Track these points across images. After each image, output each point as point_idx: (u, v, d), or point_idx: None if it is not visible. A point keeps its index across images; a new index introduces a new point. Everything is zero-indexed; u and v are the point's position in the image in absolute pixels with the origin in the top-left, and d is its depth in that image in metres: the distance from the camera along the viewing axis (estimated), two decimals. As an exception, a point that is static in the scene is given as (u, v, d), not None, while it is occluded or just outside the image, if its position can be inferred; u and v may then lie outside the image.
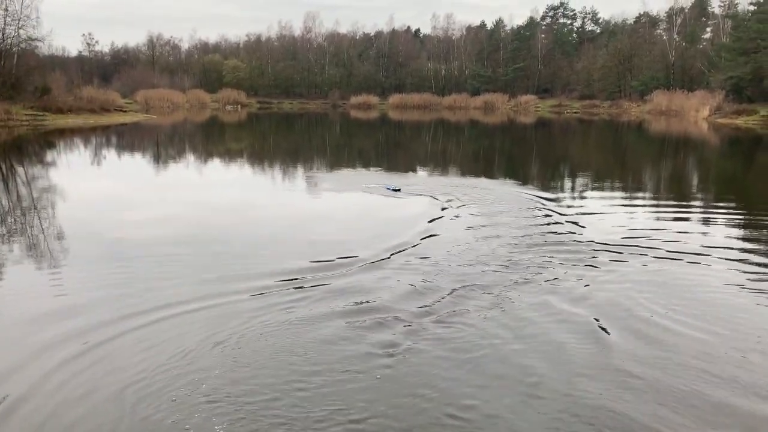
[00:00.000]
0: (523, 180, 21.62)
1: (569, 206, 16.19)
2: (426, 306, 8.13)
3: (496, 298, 8.46)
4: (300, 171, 24.85)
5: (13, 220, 14.49)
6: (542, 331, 7.44)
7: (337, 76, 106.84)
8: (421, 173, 24.25)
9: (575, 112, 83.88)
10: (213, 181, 22.31)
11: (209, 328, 7.32)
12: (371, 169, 25.03)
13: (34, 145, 34.25)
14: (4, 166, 25.30)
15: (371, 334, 7.22)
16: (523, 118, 73.34)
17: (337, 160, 29.74)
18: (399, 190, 14.57)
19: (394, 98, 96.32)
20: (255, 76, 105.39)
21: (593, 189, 19.65)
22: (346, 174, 22.95)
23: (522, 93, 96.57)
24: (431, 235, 12.32)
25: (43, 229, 13.19)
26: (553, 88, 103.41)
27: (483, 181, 21.02)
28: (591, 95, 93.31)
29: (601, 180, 22.11)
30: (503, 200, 16.78)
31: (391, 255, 10.68)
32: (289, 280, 9.25)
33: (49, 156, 30.04)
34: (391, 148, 38.30)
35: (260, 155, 33.06)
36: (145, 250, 11.00)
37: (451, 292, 8.65)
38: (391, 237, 12.00)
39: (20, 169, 24.50)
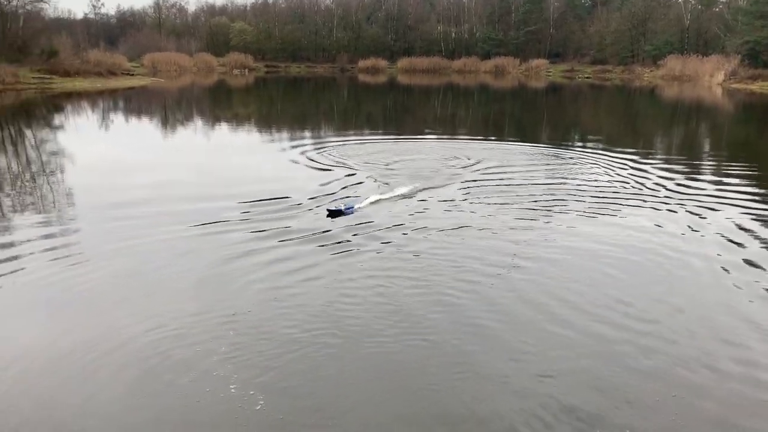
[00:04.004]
0: (533, 143, 21.46)
1: (577, 171, 16.14)
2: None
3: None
4: (307, 137, 24.71)
5: (22, 182, 14.56)
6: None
7: (345, 40, 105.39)
8: (429, 138, 24.07)
9: (587, 77, 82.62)
10: (217, 145, 22.27)
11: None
12: (379, 134, 24.88)
13: (41, 109, 34.22)
14: (12, 130, 25.32)
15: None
16: (534, 82, 72.43)
17: (344, 126, 29.56)
18: (351, 208, 11.18)
19: (403, 62, 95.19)
20: (262, 39, 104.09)
21: (603, 152, 19.48)
22: (352, 147, 22.71)
23: (533, 57, 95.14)
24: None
25: (52, 191, 13.28)
26: (564, 53, 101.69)
27: (490, 145, 20.91)
28: (603, 60, 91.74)
29: (611, 145, 21.85)
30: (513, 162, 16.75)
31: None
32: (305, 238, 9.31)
33: (57, 120, 30.02)
34: (399, 113, 37.99)
35: (267, 120, 32.89)
36: (144, 210, 11.11)
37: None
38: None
39: (28, 133, 24.52)
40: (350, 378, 5.69)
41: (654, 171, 16.26)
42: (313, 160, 17.43)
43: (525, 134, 26.85)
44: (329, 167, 16.38)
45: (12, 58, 46.29)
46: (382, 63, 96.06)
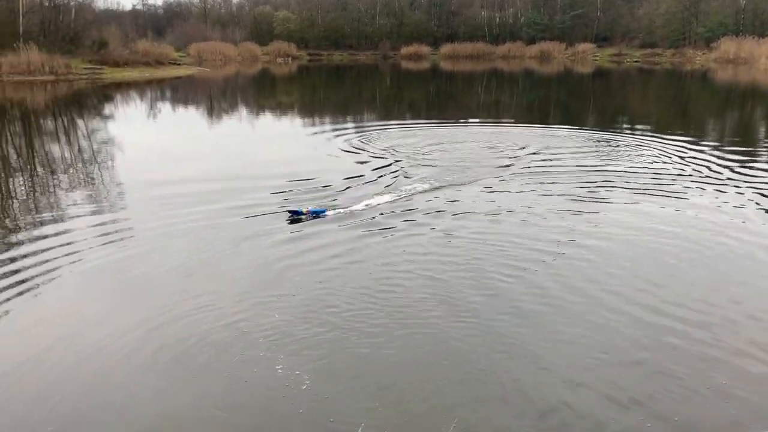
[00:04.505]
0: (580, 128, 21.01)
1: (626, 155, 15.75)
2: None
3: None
4: (349, 125, 24.74)
5: (75, 170, 15.01)
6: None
7: (388, 26, 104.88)
8: (473, 124, 23.80)
9: (635, 61, 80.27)
10: (261, 133, 22.52)
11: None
12: (421, 120, 24.75)
13: (92, 99, 35.17)
14: (65, 119, 26.12)
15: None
16: (580, 67, 70.82)
17: (386, 113, 29.50)
18: (324, 212, 10.21)
19: (446, 48, 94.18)
20: (305, 27, 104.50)
21: (654, 136, 18.92)
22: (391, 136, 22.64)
23: (579, 41, 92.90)
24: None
25: (103, 178, 13.68)
26: (612, 36, 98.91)
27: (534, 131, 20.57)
28: (653, 43, 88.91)
29: (663, 130, 21.22)
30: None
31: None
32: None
33: (107, 109, 30.81)
34: (442, 100, 37.68)
35: (310, 109, 33.07)
36: (190, 196, 11.32)
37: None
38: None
39: (80, 122, 25.26)
40: (394, 359, 5.70)
41: (710, 156, 15.75)
42: (354, 147, 17.46)
43: (571, 119, 26.30)
44: (370, 154, 16.39)
45: (64, 50, 47.61)
46: (425, 49, 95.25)
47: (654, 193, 11.94)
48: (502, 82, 52.49)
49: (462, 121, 24.89)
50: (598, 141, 18.64)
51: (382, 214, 10.40)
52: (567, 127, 22.05)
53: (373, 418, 4.87)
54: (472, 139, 18.93)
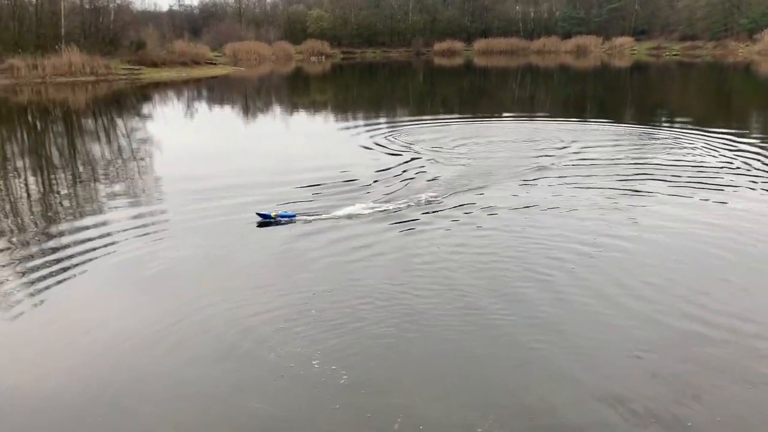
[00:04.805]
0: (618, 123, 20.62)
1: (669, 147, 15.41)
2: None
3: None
4: (382, 122, 24.72)
5: (114, 167, 15.34)
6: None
7: (421, 23, 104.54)
8: (507, 119, 23.56)
9: (675, 55, 78.50)
10: (294, 132, 22.66)
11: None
12: (454, 116, 24.60)
13: (131, 98, 35.86)
14: (105, 119, 26.70)
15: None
16: (617, 61, 69.52)
17: (419, 110, 29.42)
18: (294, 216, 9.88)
19: (480, 44, 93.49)
20: (338, 25, 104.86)
21: (696, 131, 18.47)
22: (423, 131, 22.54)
23: (617, 35, 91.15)
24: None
25: (141, 175, 13.95)
26: (650, 29, 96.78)
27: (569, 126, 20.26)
28: (693, 36, 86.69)
29: (704, 124, 20.71)
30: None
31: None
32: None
33: (146, 109, 31.39)
34: (475, 96, 37.41)
35: (343, 106, 33.15)
36: (225, 192, 11.46)
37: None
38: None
39: (120, 121, 25.79)
40: (431, 356, 5.68)
41: (759, 150, 15.28)
42: (385, 144, 17.44)
43: (609, 114, 25.84)
44: (400, 150, 16.34)
45: (104, 51, 48.66)
46: (458, 45, 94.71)
47: (698, 188, 11.64)
48: (536, 78, 51.86)
49: (496, 116, 24.66)
50: (638, 135, 18.27)
51: (413, 209, 10.35)
52: (604, 121, 21.69)
53: (410, 413, 4.85)
54: (506, 135, 18.75)
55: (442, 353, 5.72)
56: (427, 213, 10.16)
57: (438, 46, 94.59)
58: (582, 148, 16.13)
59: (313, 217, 10.03)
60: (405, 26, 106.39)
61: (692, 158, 14.50)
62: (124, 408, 5.04)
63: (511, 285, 7.15)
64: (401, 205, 10.58)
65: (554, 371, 5.38)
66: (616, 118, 23.46)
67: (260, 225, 9.72)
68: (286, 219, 9.87)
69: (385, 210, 10.35)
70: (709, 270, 7.63)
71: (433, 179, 12.68)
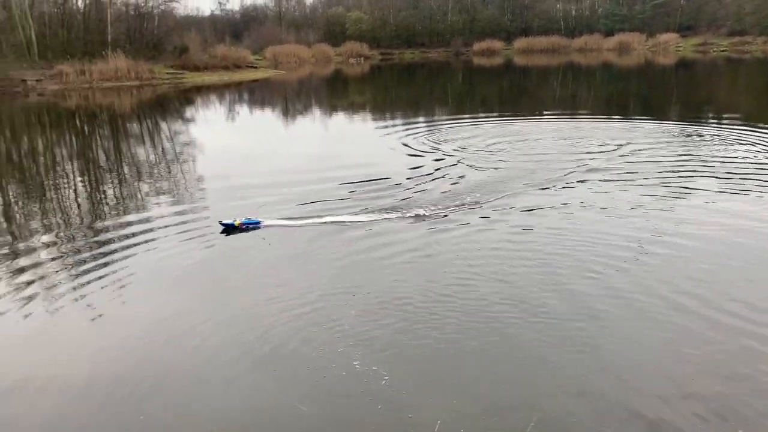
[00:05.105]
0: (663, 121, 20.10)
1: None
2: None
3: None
4: (420, 122, 24.63)
5: (159, 169, 15.65)
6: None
7: (460, 23, 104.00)
8: (548, 118, 23.22)
9: (723, 51, 76.17)
10: (333, 133, 22.77)
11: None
12: (494, 116, 24.36)
13: (174, 102, 36.59)
14: (150, 122, 27.30)
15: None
16: (662, 59, 67.90)
17: (458, 109, 29.23)
18: (258, 223, 9.77)
19: (520, 42, 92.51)
20: (377, 27, 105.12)
21: (747, 128, 17.87)
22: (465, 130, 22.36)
23: (661, 32, 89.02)
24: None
25: (184, 177, 14.21)
26: (697, 25, 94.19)
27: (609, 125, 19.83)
28: (742, 31, 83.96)
29: (756, 122, 20.03)
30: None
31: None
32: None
33: (188, 112, 31.99)
34: (515, 95, 36.99)
35: (381, 108, 33.17)
36: (264, 193, 11.56)
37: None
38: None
39: (164, 125, 26.33)
40: (472, 357, 5.61)
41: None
42: (423, 144, 17.35)
43: (653, 112, 25.21)
44: (437, 150, 16.24)
45: (148, 56, 49.83)
46: (498, 45, 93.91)
47: (751, 186, 11.25)
48: (578, 76, 51.01)
49: (537, 115, 24.32)
50: (684, 133, 17.78)
51: (455, 209, 10.26)
52: (649, 119, 21.18)
53: (451, 415, 4.80)
54: (547, 134, 18.46)
55: (483, 354, 5.63)
56: (468, 214, 10.06)
57: (477, 46, 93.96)
58: (626, 146, 15.77)
59: (279, 223, 9.94)
60: (444, 26, 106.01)
61: (743, 155, 14.03)
62: (163, 405, 5.10)
63: (554, 288, 7.00)
64: (438, 210, 10.47)
65: (599, 380, 5.24)
66: (661, 115, 22.89)
67: (223, 232, 9.57)
68: (252, 225, 9.78)
69: (387, 218, 9.98)
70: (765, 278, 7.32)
71: (470, 179, 12.56)
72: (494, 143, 17.06)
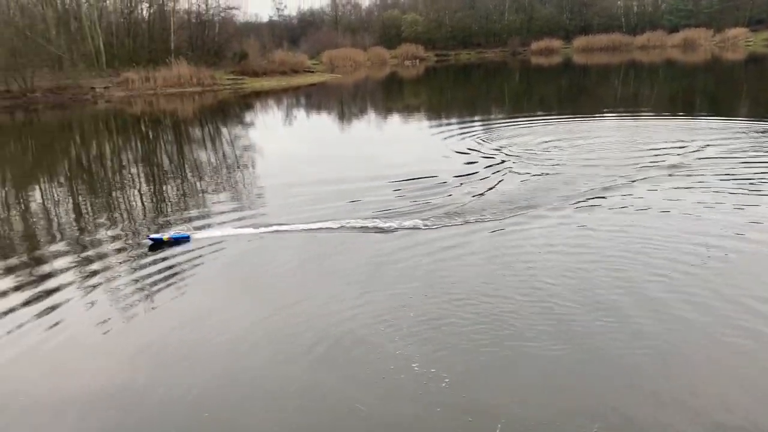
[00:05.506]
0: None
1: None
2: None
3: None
4: (477, 123, 24.39)
5: (219, 173, 16.03)
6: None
7: (517, 22, 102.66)
8: (608, 117, 22.61)
9: (796, 44, 72.54)
10: (388, 136, 22.80)
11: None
12: (552, 115, 23.88)
13: (234, 107, 37.45)
14: (211, 127, 28.04)
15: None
16: (730, 54, 65.16)
17: (515, 109, 28.82)
18: (187, 238, 9.55)
19: (579, 41, 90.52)
20: (433, 28, 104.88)
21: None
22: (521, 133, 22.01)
23: (729, 26, 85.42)
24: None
25: (244, 180, 14.52)
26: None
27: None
28: (818, 23, 79.85)
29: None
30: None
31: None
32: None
33: (248, 117, 32.68)
34: (574, 94, 36.19)
35: (437, 109, 33.03)
36: (321, 196, 11.66)
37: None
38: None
39: (224, 130, 26.99)
40: (533, 359, 5.49)
41: None
42: (478, 145, 17.16)
43: (721, 110, 24.19)
44: (494, 152, 16.01)
45: (209, 62, 51.22)
46: (556, 43, 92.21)
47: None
48: (640, 74, 49.51)
49: (597, 115, 23.71)
50: (756, 131, 16.97)
51: (512, 211, 10.09)
52: (716, 117, 20.32)
53: (511, 418, 4.71)
54: (609, 133, 17.96)
55: (542, 358, 5.51)
56: (528, 215, 9.89)
57: (535, 45, 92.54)
58: (693, 145, 15.19)
59: (209, 235, 9.74)
60: (501, 26, 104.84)
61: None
62: (223, 405, 5.19)
63: (616, 292, 6.78)
64: (497, 212, 10.32)
65: (662, 388, 5.04)
66: (730, 113, 21.93)
67: (151, 248, 9.35)
68: (183, 239, 9.62)
69: (446, 223, 9.78)
70: None
71: (528, 181, 12.34)
72: (553, 143, 16.73)
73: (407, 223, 9.76)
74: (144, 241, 9.69)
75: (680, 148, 14.96)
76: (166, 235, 9.65)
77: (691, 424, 4.55)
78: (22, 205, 13.35)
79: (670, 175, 11.95)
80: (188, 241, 9.64)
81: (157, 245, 9.44)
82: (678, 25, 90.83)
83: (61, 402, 5.38)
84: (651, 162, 13.50)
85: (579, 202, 10.55)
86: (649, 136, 16.83)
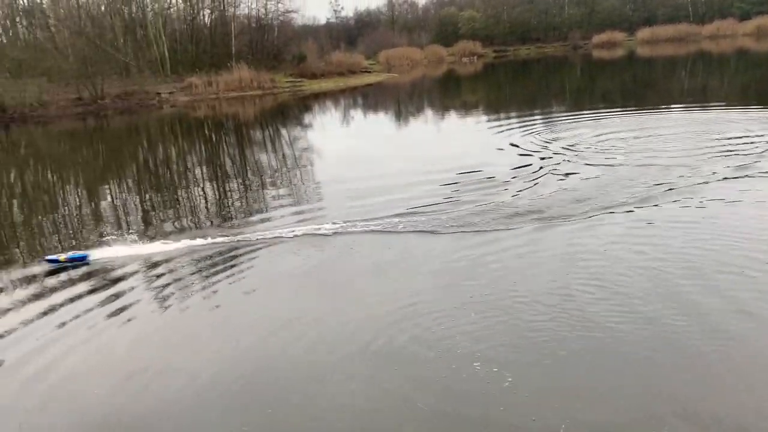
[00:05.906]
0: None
1: None
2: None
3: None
4: (537, 118, 23.94)
5: (280, 173, 16.32)
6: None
7: (578, 15, 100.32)
8: (675, 110, 21.78)
9: None
10: (445, 134, 22.66)
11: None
12: (616, 109, 23.18)
13: (294, 109, 38.07)
14: (271, 130, 28.58)
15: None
16: (807, 41, 61.74)
17: (576, 104, 28.16)
18: (84, 258, 9.14)
19: (644, 32, 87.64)
20: (491, 24, 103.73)
21: None
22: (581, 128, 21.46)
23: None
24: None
25: (302, 181, 14.73)
26: None
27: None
28: None
29: None
30: None
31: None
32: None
33: (307, 119, 33.14)
34: (639, 87, 35.04)
35: (495, 106, 32.62)
36: (379, 196, 11.66)
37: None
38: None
39: (284, 131, 27.47)
40: (598, 361, 5.34)
41: None
42: (536, 142, 16.83)
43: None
44: (555, 148, 15.66)
45: (269, 66, 52.24)
46: (619, 36, 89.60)
47: None
48: (710, 65, 47.52)
49: (663, 108, 22.87)
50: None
51: (576, 210, 9.83)
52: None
53: (574, 418, 4.59)
54: (676, 127, 17.27)
55: (606, 358, 5.34)
56: (595, 214, 9.59)
57: (597, 38, 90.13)
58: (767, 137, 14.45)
59: (108, 256, 9.38)
60: (561, 20, 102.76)
61: None
62: (286, 401, 5.24)
63: (685, 290, 6.52)
64: (560, 210, 10.08)
65: (735, 388, 4.79)
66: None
67: (50, 272, 9.01)
68: (78, 260, 9.27)
69: (511, 224, 9.51)
70: None
71: (592, 178, 12.00)
72: (617, 138, 16.23)
73: (465, 223, 9.67)
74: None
75: (754, 141, 14.24)
76: (62, 256, 9.25)
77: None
78: (94, 203, 13.95)
79: (741, 175, 11.35)
80: (86, 262, 9.27)
81: (54, 266, 9.05)
82: (750, 13, 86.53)
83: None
84: (722, 157, 12.91)
85: (647, 198, 10.18)
86: (722, 130, 16.09)
